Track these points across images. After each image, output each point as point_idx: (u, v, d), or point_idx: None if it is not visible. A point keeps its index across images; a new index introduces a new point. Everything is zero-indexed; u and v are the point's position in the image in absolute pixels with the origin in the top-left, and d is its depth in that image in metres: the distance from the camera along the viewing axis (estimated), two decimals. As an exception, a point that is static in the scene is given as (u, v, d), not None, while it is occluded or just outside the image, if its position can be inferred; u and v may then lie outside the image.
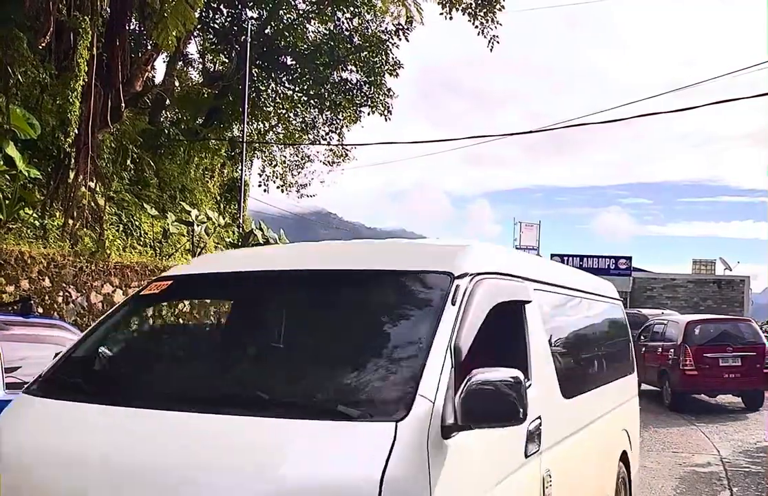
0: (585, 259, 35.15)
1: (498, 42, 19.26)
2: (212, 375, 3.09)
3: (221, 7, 21.35)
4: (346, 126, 23.54)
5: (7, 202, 10.84)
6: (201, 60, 24.34)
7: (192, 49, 22.86)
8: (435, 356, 2.53)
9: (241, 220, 21.30)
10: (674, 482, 8.45)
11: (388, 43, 21.77)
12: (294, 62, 22.43)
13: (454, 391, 2.48)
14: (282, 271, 3.42)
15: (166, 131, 19.99)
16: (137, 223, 15.93)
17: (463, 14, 19.21)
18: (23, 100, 12.51)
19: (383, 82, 21.90)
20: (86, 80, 12.36)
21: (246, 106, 20.18)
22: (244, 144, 21.52)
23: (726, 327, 15.01)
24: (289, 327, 3.45)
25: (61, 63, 12.94)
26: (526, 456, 3.13)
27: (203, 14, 19.53)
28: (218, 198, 22.73)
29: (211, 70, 23.82)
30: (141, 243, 15.63)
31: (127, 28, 15.23)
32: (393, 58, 21.78)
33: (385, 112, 22.05)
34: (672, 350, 14.46)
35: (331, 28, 22.02)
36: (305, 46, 21.93)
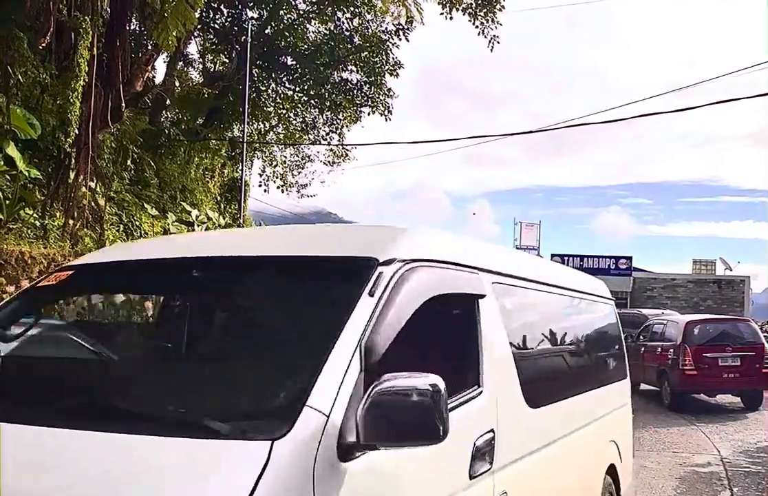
0: (585, 259, 35.18)
1: (498, 42, 19.27)
2: (78, 382, 2.62)
3: (221, 7, 21.35)
4: (347, 126, 23.55)
5: (7, 202, 10.85)
6: (201, 60, 24.34)
7: (192, 49, 22.89)
8: (337, 358, 2.09)
9: (241, 221, 21.30)
10: (674, 482, 8.46)
11: (388, 43, 21.77)
12: (294, 62, 22.44)
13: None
14: (185, 258, 2.96)
15: (167, 131, 19.99)
16: (137, 223, 15.94)
17: (464, 14, 19.22)
18: (24, 100, 12.51)
19: (383, 82, 21.90)
20: (86, 80, 12.36)
21: (246, 106, 20.18)
22: (245, 144, 21.52)
23: (725, 327, 15.06)
24: (183, 322, 3.15)
25: (61, 63, 12.95)
26: (472, 477, 2.66)
27: (203, 14, 19.53)
28: (218, 198, 22.74)
29: (212, 70, 23.82)
30: (141, 243, 15.61)
31: (128, 28, 15.24)
32: (393, 58, 21.79)
33: (386, 113, 22.05)
34: (671, 350, 14.48)
35: (332, 28, 22.02)
36: (305, 46, 21.94)
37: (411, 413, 1.98)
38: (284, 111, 23.92)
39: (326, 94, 22.22)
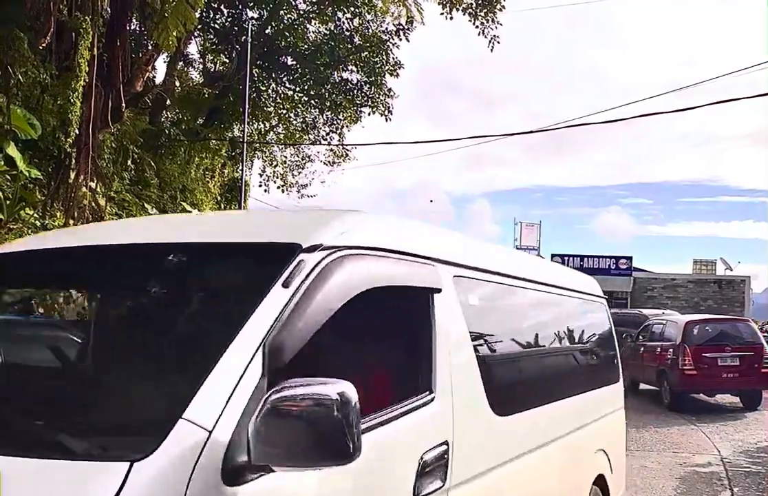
0: (586, 259, 35.18)
1: (498, 42, 19.27)
2: None
3: (222, 7, 21.35)
4: (347, 126, 23.55)
5: (8, 202, 10.85)
6: (201, 60, 24.34)
7: (192, 49, 22.88)
8: (230, 362, 1.76)
9: (241, 221, 21.27)
10: (675, 482, 8.46)
11: (388, 43, 21.77)
12: (294, 62, 22.44)
13: None
14: (79, 248, 2.58)
15: (167, 131, 20.00)
16: (138, 223, 15.92)
17: (464, 14, 19.21)
18: (24, 100, 12.51)
19: (384, 82, 21.90)
20: (87, 80, 12.37)
21: (246, 106, 20.18)
22: (245, 144, 21.53)
23: (724, 327, 15.13)
24: (78, 322, 2.93)
25: (61, 63, 12.95)
26: None
27: (204, 14, 19.53)
28: (219, 198, 22.74)
29: (212, 70, 23.82)
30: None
31: (128, 28, 15.24)
32: (393, 59, 21.78)
33: (386, 113, 22.06)
34: (671, 350, 14.52)
35: (332, 28, 22.03)
36: (306, 46, 21.95)
37: (313, 428, 1.66)
38: (284, 111, 23.92)
39: (326, 94, 22.22)
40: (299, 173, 25.80)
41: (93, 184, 13.30)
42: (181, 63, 21.79)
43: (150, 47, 16.52)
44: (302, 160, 25.75)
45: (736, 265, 37.92)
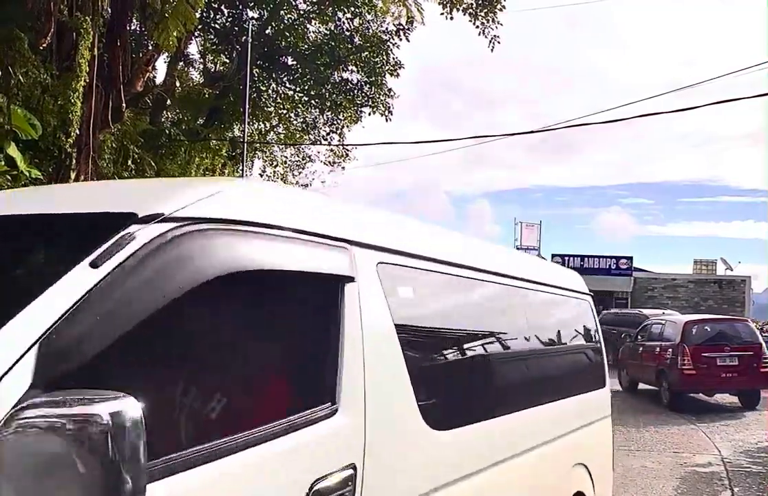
0: (586, 259, 35.17)
1: (499, 42, 19.26)
2: None
3: (222, 7, 21.36)
4: (347, 126, 23.56)
5: (8, 202, 10.84)
6: (202, 60, 24.36)
7: (193, 49, 22.89)
8: None
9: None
10: (675, 482, 8.46)
11: (388, 43, 21.77)
12: (295, 62, 22.45)
13: None
14: None
15: (167, 131, 20.01)
16: (138, 223, 15.92)
17: (464, 14, 19.21)
18: (24, 100, 12.52)
19: (384, 82, 21.90)
20: (87, 80, 12.38)
21: (247, 106, 20.19)
22: (245, 144, 21.54)
23: (723, 327, 15.20)
24: None
25: (62, 63, 12.96)
26: None
27: (204, 14, 19.53)
28: (219, 198, 22.71)
29: (212, 70, 23.84)
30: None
31: (128, 28, 15.25)
32: (394, 59, 21.79)
33: (386, 113, 22.06)
34: (670, 350, 14.57)
35: (332, 28, 22.03)
36: (306, 46, 21.95)
37: (65, 466, 1.22)
38: (285, 111, 23.93)
39: (327, 94, 22.23)
40: (299, 173, 25.84)
41: (93, 185, 13.31)
42: (181, 63, 21.80)
43: (150, 47, 16.53)
44: (302, 160, 25.79)
45: (737, 265, 37.92)
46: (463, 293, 3.24)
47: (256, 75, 21.58)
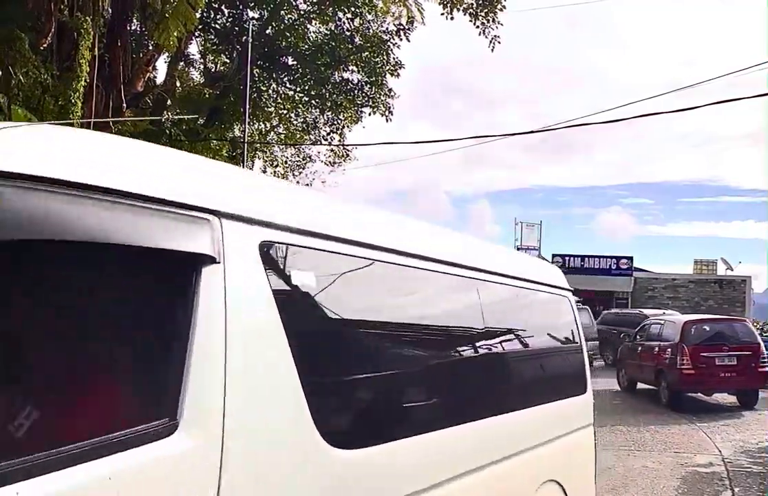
0: (586, 259, 35.17)
1: (499, 42, 19.26)
2: None
3: (222, 7, 21.36)
4: (348, 126, 23.57)
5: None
6: (202, 60, 24.37)
7: (193, 49, 22.91)
8: None
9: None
10: (676, 482, 8.46)
11: (389, 43, 21.77)
12: (295, 62, 22.45)
13: None
14: None
15: (168, 131, 20.01)
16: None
17: (464, 14, 19.21)
18: (25, 100, 12.52)
19: (384, 82, 21.90)
20: (88, 81, 12.39)
21: (247, 106, 20.19)
22: (245, 144, 21.54)
23: (722, 327, 15.31)
24: None
25: (62, 63, 12.97)
26: None
27: (204, 14, 19.54)
28: (219, 198, 22.71)
29: (213, 70, 23.85)
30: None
31: (129, 28, 15.26)
32: (394, 59, 21.79)
33: (386, 113, 22.07)
34: (669, 350, 14.65)
35: (332, 28, 22.03)
36: (306, 46, 21.95)
37: None
38: (285, 111, 23.94)
39: (327, 94, 22.23)
40: (300, 173, 25.83)
41: (94, 185, 13.30)
42: (181, 63, 21.80)
43: (151, 47, 16.54)
44: (303, 160, 25.79)
45: (737, 265, 37.89)
46: (391, 283, 2.72)
47: (257, 75, 21.58)
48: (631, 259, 35.53)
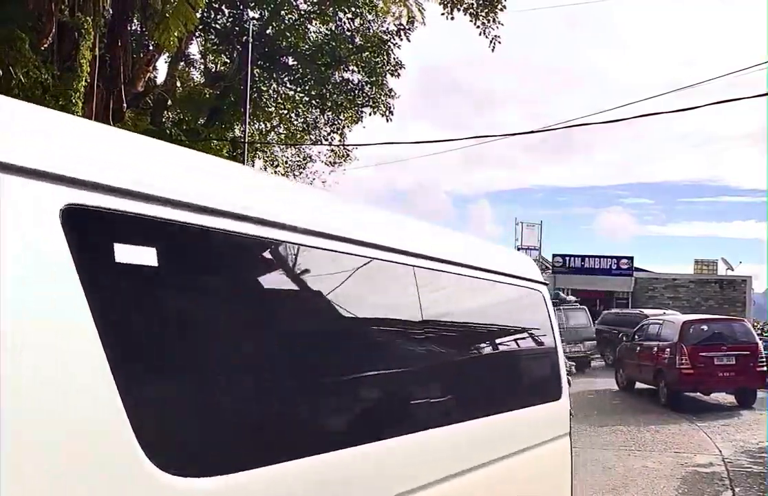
0: (587, 259, 35.18)
1: (500, 42, 19.25)
2: None
3: (223, 7, 21.37)
4: (348, 126, 23.58)
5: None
6: (203, 60, 24.38)
7: (194, 49, 22.92)
8: None
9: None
10: (676, 482, 8.46)
11: (389, 43, 21.78)
12: (295, 63, 22.46)
13: None
14: None
15: (168, 132, 20.00)
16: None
17: (465, 14, 19.21)
18: (25, 100, 12.52)
19: (384, 82, 21.91)
20: (88, 81, 12.39)
21: (247, 106, 20.20)
22: (246, 144, 21.55)
23: (720, 327, 15.44)
24: None
25: (63, 64, 12.97)
26: None
27: (204, 15, 19.54)
28: (220, 198, 22.72)
29: (213, 70, 23.86)
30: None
31: (129, 28, 15.27)
32: (394, 59, 21.79)
33: (387, 113, 22.07)
34: (668, 350, 14.74)
35: (333, 28, 22.04)
36: (306, 46, 21.96)
37: None
38: (285, 111, 23.95)
39: (327, 94, 22.24)
40: (300, 173, 25.83)
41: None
42: (182, 63, 21.82)
43: (151, 47, 16.54)
44: (303, 160, 25.80)
45: (738, 265, 37.88)
46: (294, 266, 2.24)
47: (257, 75, 21.59)
48: (631, 259, 35.53)
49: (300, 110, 23.71)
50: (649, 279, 35.81)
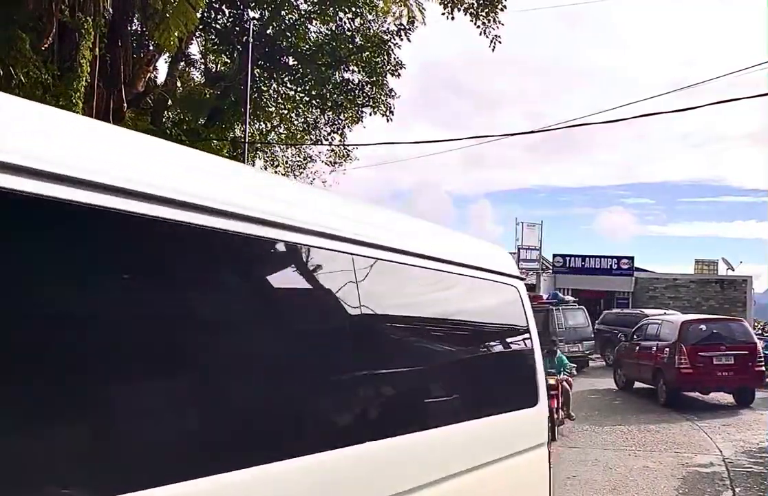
0: (587, 259, 35.16)
1: (500, 42, 19.24)
2: None
3: (223, 7, 21.37)
4: (348, 126, 23.59)
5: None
6: (203, 60, 24.38)
7: (194, 49, 22.92)
8: None
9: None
10: (677, 482, 8.46)
11: (389, 43, 21.78)
12: (296, 63, 22.47)
13: None
14: None
15: (169, 132, 20.01)
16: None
17: (465, 14, 19.20)
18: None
19: (385, 82, 21.91)
20: (89, 81, 12.40)
21: (248, 106, 20.21)
22: (246, 144, 21.55)
23: (719, 327, 15.54)
24: None
25: (63, 64, 12.98)
26: None
27: (205, 15, 19.55)
28: (220, 198, 22.72)
29: (213, 70, 23.86)
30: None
31: (130, 28, 15.27)
32: (395, 59, 21.79)
33: (387, 113, 22.07)
34: (667, 349, 14.79)
35: (333, 28, 22.04)
36: (307, 46, 21.96)
37: None
38: (286, 111, 23.96)
39: (328, 94, 22.24)
40: (301, 173, 25.83)
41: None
42: (182, 63, 21.82)
43: (151, 47, 16.55)
44: (304, 160, 25.81)
45: (738, 265, 37.85)
46: (221, 256, 1.99)
47: (257, 75, 21.59)
48: (632, 259, 35.51)
49: (300, 110, 23.72)
50: (649, 279, 35.79)
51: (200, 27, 19.14)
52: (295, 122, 24.30)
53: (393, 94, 22.16)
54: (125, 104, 14.24)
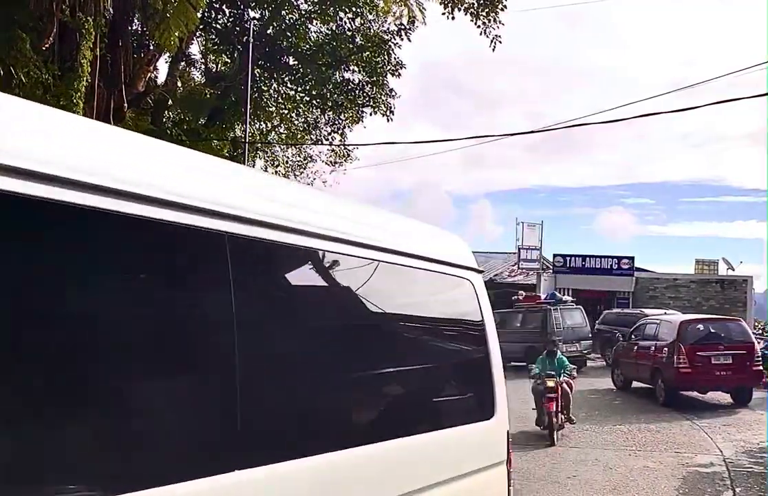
0: (587, 259, 35.15)
1: (500, 42, 19.23)
2: None
3: (223, 7, 21.38)
4: (348, 126, 23.60)
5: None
6: (203, 60, 24.39)
7: (194, 49, 22.93)
8: None
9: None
10: (677, 482, 8.46)
11: (390, 43, 21.78)
12: (296, 62, 22.47)
13: None
14: None
15: (169, 132, 20.02)
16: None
17: (465, 14, 19.19)
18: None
19: (385, 82, 21.91)
20: (89, 81, 12.41)
21: (248, 106, 20.21)
22: (246, 144, 21.56)
23: (717, 326, 15.63)
24: None
25: (64, 64, 12.99)
26: None
27: (205, 15, 19.55)
28: (220, 198, 22.73)
29: (214, 70, 23.87)
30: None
31: (130, 28, 15.28)
32: (395, 59, 21.80)
33: (387, 113, 22.08)
34: (666, 349, 14.84)
35: (333, 28, 22.05)
36: (307, 46, 21.97)
37: None
38: (286, 111, 23.97)
39: (328, 94, 22.25)
40: (301, 173, 25.85)
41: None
42: (182, 63, 21.83)
43: (152, 47, 16.56)
44: (304, 160, 25.82)
45: (738, 265, 37.84)
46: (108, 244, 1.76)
47: (258, 75, 21.60)
48: (632, 259, 35.49)
49: (300, 110, 23.73)
50: (650, 279, 35.77)
51: (201, 27, 19.15)
52: (296, 122, 24.31)
53: (393, 94, 22.17)
54: (126, 104, 14.24)
